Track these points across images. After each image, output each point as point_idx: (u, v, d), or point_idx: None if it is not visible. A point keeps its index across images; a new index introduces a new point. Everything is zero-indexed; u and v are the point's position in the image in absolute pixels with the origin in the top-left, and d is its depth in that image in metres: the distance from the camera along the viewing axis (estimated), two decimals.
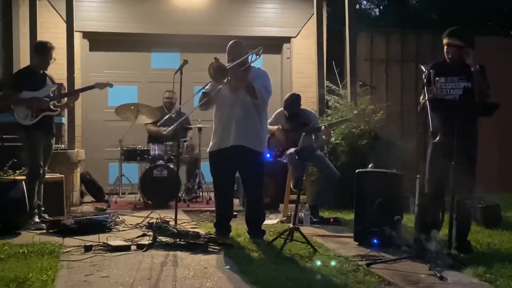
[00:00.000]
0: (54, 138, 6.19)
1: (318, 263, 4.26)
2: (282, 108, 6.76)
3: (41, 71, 5.98)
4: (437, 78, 4.62)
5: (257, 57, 5.24)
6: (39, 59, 5.95)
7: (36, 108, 5.81)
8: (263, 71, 5.35)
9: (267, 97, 5.21)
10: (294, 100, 6.69)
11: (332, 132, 6.90)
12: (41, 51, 5.93)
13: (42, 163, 5.88)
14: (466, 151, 4.50)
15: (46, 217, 5.84)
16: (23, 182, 5.65)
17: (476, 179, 4.76)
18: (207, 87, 5.32)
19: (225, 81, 5.00)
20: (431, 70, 4.52)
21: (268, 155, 6.34)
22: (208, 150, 5.37)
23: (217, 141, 5.27)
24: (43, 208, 5.95)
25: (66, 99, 6.31)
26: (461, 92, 4.69)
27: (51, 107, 5.92)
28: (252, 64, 5.27)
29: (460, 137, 4.30)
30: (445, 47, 4.80)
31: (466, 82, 4.71)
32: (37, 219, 5.73)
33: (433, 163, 4.74)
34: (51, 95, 5.96)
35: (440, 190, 4.72)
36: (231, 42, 5.32)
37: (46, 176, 6.08)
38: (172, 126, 5.72)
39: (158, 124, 6.89)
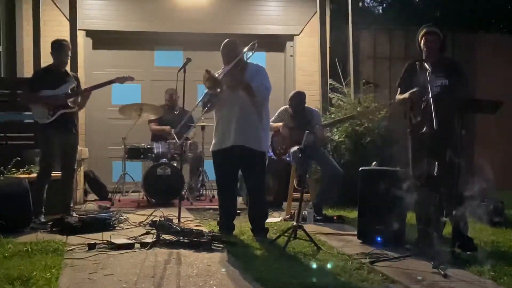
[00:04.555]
0: (77, 137, 6.15)
1: (322, 261, 4.26)
2: (287, 106, 6.74)
3: (63, 70, 6.01)
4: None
5: (253, 52, 5.23)
6: (55, 57, 5.97)
7: (52, 105, 5.82)
8: (260, 68, 5.31)
9: (266, 94, 5.19)
10: (299, 98, 6.67)
11: (327, 130, 6.94)
12: (55, 49, 5.95)
13: (54, 163, 5.92)
14: (449, 147, 4.53)
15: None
16: (26, 181, 5.67)
17: (460, 175, 4.75)
18: (205, 90, 5.28)
19: (219, 90, 4.99)
20: (428, 67, 4.55)
21: (271, 154, 6.33)
22: (210, 149, 5.38)
23: (218, 141, 5.27)
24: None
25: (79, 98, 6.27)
26: (439, 89, 4.70)
27: (69, 104, 5.92)
28: (250, 60, 5.27)
29: (442, 132, 4.32)
30: (424, 37, 4.84)
31: (444, 79, 4.73)
32: (43, 219, 5.72)
33: (416, 157, 4.79)
34: (69, 92, 5.94)
35: (431, 183, 4.72)
36: (224, 42, 5.29)
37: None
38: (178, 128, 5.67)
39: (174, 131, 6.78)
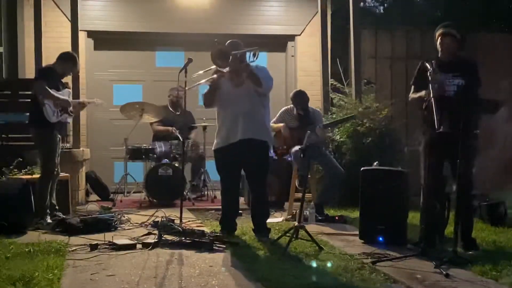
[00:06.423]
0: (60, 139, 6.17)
1: (323, 261, 4.26)
2: (290, 106, 6.73)
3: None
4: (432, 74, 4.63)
5: (255, 58, 5.22)
6: (65, 67, 5.99)
7: (61, 107, 5.85)
8: (261, 66, 5.36)
9: (271, 83, 5.25)
10: (303, 97, 6.65)
11: (329, 130, 6.95)
12: (70, 60, 6.02)
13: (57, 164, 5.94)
14: (465, 148, 4.50)
15: (60, 215, 5.83)
16: (28, 181, 5.68)
17: (473, 175, 4.74)
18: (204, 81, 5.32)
19: (227, 68, 5.00)
20: (429, 67, 4.52)
21: (272, 154, 6.32)
22: (213, 148, 5.37)
23: (221, 139, 5.26)
24: (57, 207, 5.98)
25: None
26: (456, 89, 4.68)
27: (70, 111, 5.98)
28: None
29: (460, 133, 4.30)
30: (440, 38, 4.82)
31: (460, 79, 4.70)
32: (49, 220, 5.71)
33: (429, 156, 4.73)
34: (70, 99, 6.03)
35: (438, 183, 4.70)
36: (227, 42, 5.31)
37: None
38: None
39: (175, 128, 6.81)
